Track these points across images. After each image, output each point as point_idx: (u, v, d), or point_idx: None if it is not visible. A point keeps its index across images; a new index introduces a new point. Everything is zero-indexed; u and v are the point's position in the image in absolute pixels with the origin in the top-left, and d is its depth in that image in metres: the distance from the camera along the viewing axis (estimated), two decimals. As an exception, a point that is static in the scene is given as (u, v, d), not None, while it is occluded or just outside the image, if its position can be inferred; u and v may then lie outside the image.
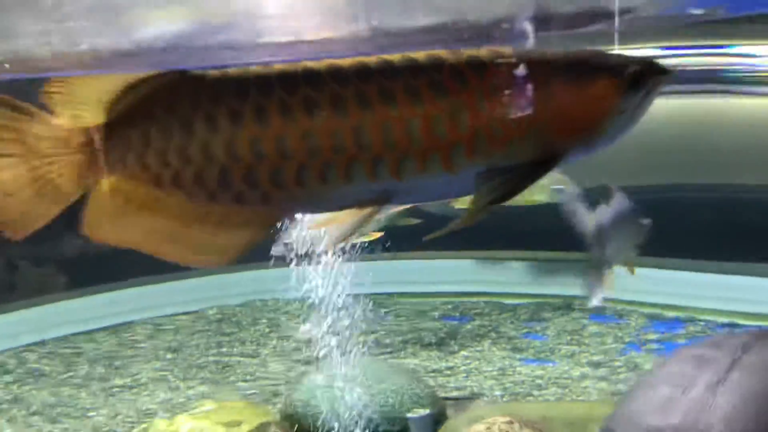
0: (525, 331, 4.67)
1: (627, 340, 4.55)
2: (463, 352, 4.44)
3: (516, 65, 1.22)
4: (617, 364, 4.22)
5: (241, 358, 4.58)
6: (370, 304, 4.60)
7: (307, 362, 4.19)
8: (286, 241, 3.54)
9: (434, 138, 1.19)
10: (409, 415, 3.16)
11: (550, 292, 5.03)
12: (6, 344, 4.93)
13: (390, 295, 5.26)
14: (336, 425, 3.15)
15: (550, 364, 4.25)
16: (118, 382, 4.44)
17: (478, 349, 4.46)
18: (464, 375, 4.15)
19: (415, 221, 4.09)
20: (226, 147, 1.21)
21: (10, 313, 5.04)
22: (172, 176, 1.23)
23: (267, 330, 4.94)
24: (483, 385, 4.01)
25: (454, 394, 3.89)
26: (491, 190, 1.21)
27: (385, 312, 5.01)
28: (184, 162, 1.22)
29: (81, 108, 1.22)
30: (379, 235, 3.52)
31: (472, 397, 3.80)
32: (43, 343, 4.98)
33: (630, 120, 1.27)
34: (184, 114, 1.22)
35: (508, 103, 1.21)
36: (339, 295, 4.79)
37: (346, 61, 1.22)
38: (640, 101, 1.26)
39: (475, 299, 5.13)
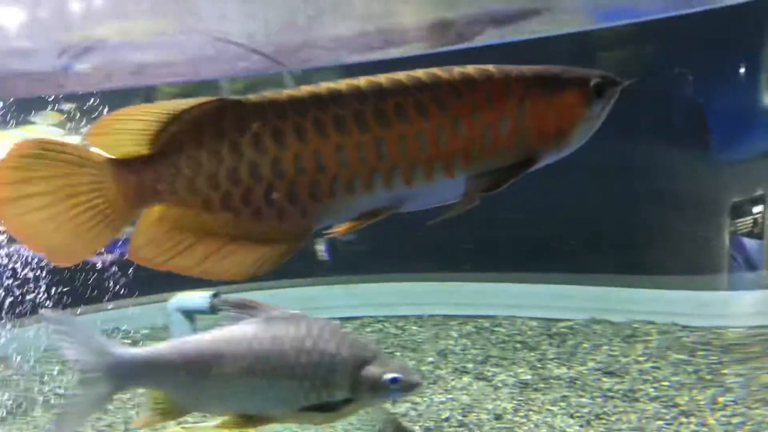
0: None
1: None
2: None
3: (500, 80, 1.41)
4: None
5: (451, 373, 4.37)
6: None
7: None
8: None
9: (438, 146, 1.37)
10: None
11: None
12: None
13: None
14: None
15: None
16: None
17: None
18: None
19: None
20: (272, 165, 1.34)
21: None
22: (221, 198, 1.34)
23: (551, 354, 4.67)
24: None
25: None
26: (481, 185, 1.40)
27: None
28: (234, 183, 1.33)
29: (125, 142, 1.31)
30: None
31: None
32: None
33: (594, 125, 1.46)
34: (232, 138, 1.33)
35: (496, 115, 1.40)
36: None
37: (361, 81, 1.37)
38: (601, 108, 1.45)
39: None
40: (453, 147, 1.38)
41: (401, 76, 1.40)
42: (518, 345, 4.77)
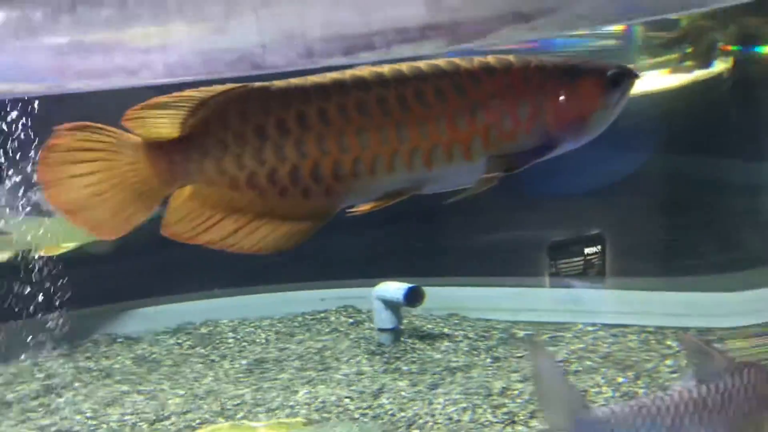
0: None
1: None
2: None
3: (520, 69, 1.48)
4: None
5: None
6: None
7: None
8: None
9: (457, 131, 1.44)
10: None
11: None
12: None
13: None
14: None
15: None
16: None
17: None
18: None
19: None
20: (296, 146, 1.44)
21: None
22: (247, 177, 1.44)
23: None
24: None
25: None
26: (500, 167, 1.46)
27: None
28: (259, 163, 1.44)
29: (159, 126, 1.41)
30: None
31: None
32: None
33: (610, 115, 1.52)
34: (257, 120, 1.43)
35: (515, 101, 1.46)
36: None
37: (384, 68, 1.45)
38: (618, 98, 1.51)
39: None
40: (472, 131, 1.45)
41: (422, 64, 1.47)
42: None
